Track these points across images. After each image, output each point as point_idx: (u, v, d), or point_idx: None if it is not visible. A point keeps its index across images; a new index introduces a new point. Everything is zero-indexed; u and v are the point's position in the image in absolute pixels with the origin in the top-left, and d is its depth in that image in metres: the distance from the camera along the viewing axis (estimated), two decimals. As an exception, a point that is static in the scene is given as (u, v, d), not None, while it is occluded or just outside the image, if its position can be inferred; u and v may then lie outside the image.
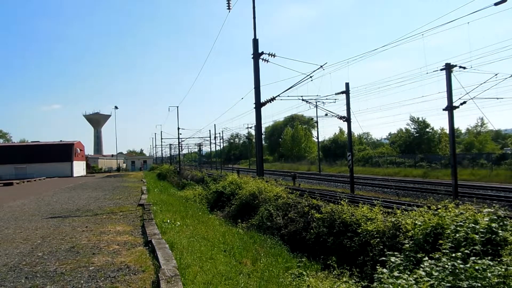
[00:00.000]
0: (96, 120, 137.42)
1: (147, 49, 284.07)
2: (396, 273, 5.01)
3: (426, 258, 5.17)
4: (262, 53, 19.04)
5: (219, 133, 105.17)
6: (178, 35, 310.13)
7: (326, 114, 28.81)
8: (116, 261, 7.26)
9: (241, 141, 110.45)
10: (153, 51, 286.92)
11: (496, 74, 17.52)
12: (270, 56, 18.89)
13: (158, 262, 6.71)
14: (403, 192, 24.05)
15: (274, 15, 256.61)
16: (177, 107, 56.45)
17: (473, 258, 4.72)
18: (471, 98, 17.25)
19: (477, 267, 4.47)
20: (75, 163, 63.88)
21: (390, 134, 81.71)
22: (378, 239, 7.41)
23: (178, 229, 10.53)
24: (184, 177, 40.58)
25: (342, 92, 23.30)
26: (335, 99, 25.38)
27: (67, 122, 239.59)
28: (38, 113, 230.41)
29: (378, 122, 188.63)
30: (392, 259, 5.65)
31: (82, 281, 6.09)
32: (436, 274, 4.65)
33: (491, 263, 4.53)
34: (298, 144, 75.38)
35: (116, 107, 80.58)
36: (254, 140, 43.48)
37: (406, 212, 7.74)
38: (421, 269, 4.90)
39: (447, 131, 25.85)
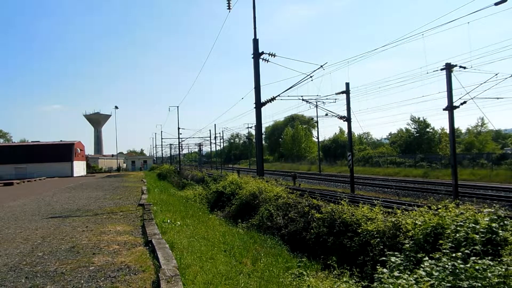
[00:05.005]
0: (96, 120, 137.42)
1: (147, 49, 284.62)
2: (396, 273, 5.01)
3: (426, 258, 5.17)
4: (262, 53, 19.05)
5: (219, 133, 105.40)
6: (178, 35, 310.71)
7: (326, 114, 28.86)
8: (116, 261, 7.26)
9: (241, 141, 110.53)
10: (153, 51, 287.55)
11: (496, 74, 17.53)
12: (270, 56, 18.90)
13: (158, 262, 6.71)
14: (403, 192, 24.04)
15: (274, 15, 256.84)
16: (177, 107, 56.85)
17: (473, 258, 4.72)
18: (471, 98, 17.26)
19: (477, 267, 4.47)
20: (75, 163, 63.90)
21: (390, 134, 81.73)
22: (378, 239, 7.40)
23: (178, 229, 10.52)
24: (184, 177, 40.58)
25: (342, 92, 23.32)
26: (335, 99, 25.45)
27: (67, 122, 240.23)
28: (38, 113, 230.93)
29: (378, 122, 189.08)
30: (392, 259, 5.65)
31: (82, 281, 6.09)
32: (436, 274, 4.65)
33: (492, 263, 4.53)
34: (298, 144, 75.41)
35: (116, 107, 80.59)
36: (254, 140, 43.44)
37: (407, 212, 7.73)
38: (421, 269, 4.90)
39: (447, 131, 25.84)
